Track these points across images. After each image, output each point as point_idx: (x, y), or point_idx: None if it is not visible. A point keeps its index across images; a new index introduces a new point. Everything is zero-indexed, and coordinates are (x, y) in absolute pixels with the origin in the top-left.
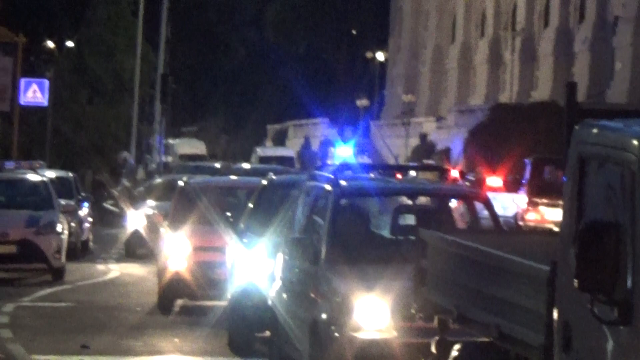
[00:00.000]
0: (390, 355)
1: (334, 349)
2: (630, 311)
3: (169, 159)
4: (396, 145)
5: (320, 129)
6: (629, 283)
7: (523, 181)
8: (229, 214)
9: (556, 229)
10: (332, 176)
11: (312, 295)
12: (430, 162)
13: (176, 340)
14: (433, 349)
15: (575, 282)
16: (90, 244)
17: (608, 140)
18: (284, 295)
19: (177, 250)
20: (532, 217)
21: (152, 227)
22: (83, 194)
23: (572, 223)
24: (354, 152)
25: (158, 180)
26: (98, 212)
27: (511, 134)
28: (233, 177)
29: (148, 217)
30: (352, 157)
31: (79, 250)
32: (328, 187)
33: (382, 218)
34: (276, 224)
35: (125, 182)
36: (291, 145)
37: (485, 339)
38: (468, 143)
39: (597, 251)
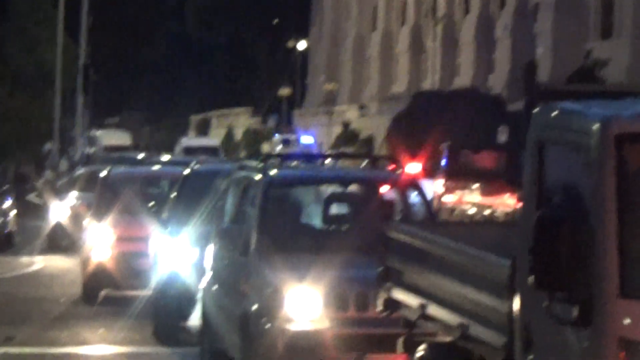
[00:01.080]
0: (323, 346)
1: (266, 341)
2: (590, 311)
3: (92, 150)
4: (319, 134)
5: (243, 118)
6: (589, 279)
7: (440, 166)
8: (151, 203)
9: (474, 210)
10: (261, 165)
11: (243, 286)
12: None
13: (101, 330)
14: (399, 349)
15: (531, 279)
16: (14, 236)
17: (567, 124)
18: (214, 287)
19: (100, 240)
20: (449, 199)
21: (76, 218)
22: (6, 187)
23: (532, 212)
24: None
25: (81, 171)
26: (21, 204)
27: (433, 121)
28: (155, 167)
29: (71, 208)
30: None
31: (2, 243)
32: (258, 176)
33: (313, 207)
34: (199, 213)
35: (49, 174)
36: (215, 135)
37: (450, 339)
38: (390, 131)
39: (554, 244)
